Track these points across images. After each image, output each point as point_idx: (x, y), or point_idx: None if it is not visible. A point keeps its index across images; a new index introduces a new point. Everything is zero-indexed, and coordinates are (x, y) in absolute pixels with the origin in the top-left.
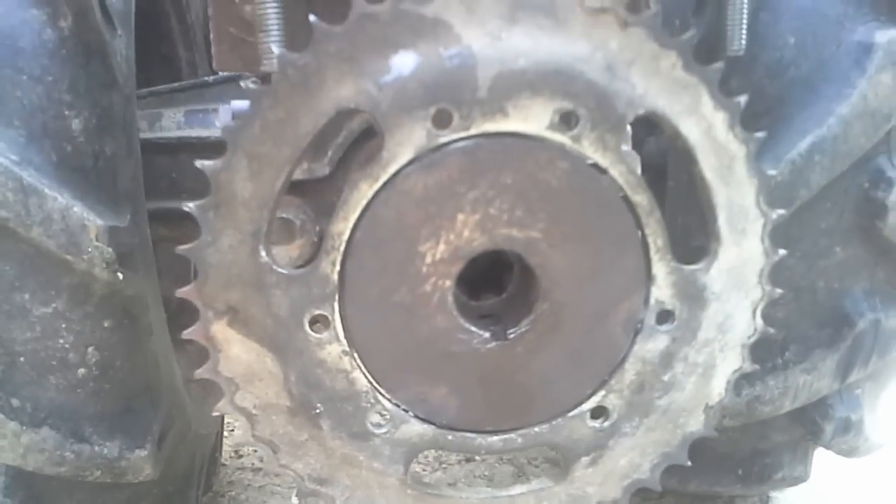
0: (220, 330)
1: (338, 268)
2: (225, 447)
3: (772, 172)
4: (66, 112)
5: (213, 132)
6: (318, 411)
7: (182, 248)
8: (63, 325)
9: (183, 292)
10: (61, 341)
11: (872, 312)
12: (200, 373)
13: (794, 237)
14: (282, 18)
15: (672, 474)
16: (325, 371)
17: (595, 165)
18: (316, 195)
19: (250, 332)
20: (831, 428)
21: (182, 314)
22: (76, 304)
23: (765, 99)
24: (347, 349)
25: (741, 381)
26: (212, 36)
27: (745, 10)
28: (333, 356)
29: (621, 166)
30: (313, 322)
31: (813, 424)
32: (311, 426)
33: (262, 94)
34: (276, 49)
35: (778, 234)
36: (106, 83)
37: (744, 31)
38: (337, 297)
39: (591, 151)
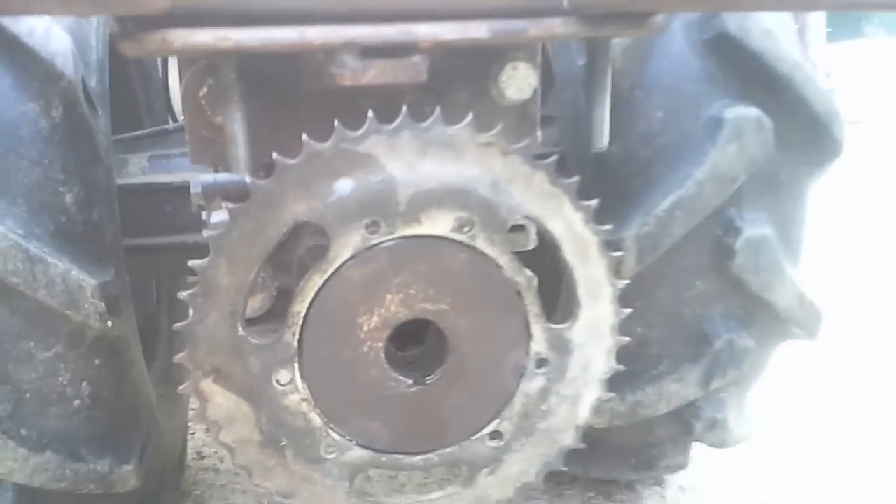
0: (207, 385)
1: (297, 337)
2: (188, 450)
3: (617, 253)
4: (61, 189)
5: (176, 178)
6: (283, 444)
7: (177, 326)
8: (62, 366)
9: (178, 358)
10: (60, 379)
11: (728, 333)
12: (193, 416)
13: (664, 274)
14: (247, 133)
15: (578, 464)
16: (288, 413)
17: (486, 256)
18: (274, 258)
19: (230, 386)
20: (700, 425)
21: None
22: (72, 348)
23: (638, 162)
24: (305, 397)
25: (626, 388)
26: (187, 135)
27: (608, 115)
28: (294, 402)
29: (506, 256)
30: (279, 378)
31: (686, 422)
32: (277, 455)
33: (238, 211)
34: (247, 178)
35: (648, 277)
36: (92, 159)
37: (607, 131)
38: (297, 359)
39: (483, 246)
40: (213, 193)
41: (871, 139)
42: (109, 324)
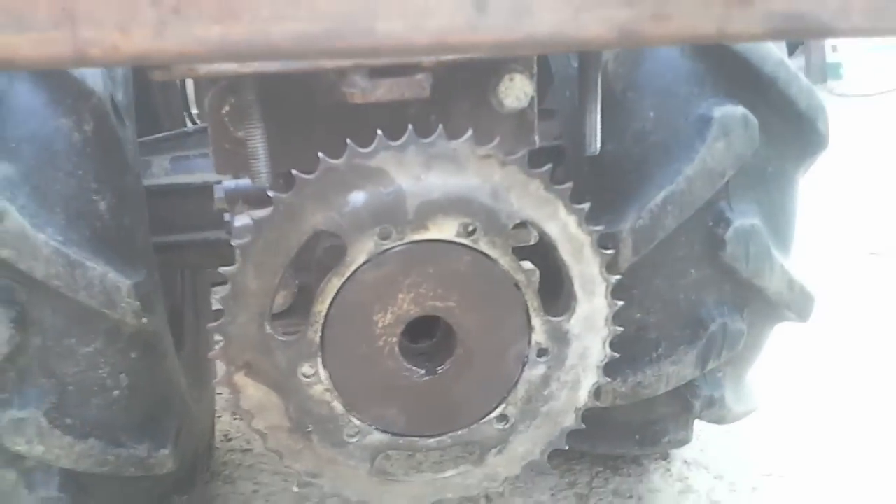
0: (240, 378)
1: (319, 334)
2: (216, 434)
3: (609, 251)
4: (94, 197)
5: (196, 178)
6: (309, 429)
7: (211, 325)
8: (101, 360)
9: (213, 354)
10: (100, 372)
11: (721, 318)
12: (226, 406)
13: (659, 263)
14: (266, 149)
15: (586, 441)
16: (313, 402)
17: (488, 257)
18: (294, 258)
19: (260, 378)
20: (699, 403)
21: None
22: (111, 343)
23: (632, 159)
24: (328, 387)
25: (627, 370)
26: (211, 148)
27: (599, 121)
28: (318, 392)
29: (507, 257)
30: (304, 370)
31: (686, 401)
32: (304, 440)
33: (262, 221)
34: (270, 192)
35: (644, 267)
36: (121, 168)
37: (598, 136)
38: (320, 353)
39: (486, 248)
40: (236, 198)
41: (878, 113)
42: (144, 320)
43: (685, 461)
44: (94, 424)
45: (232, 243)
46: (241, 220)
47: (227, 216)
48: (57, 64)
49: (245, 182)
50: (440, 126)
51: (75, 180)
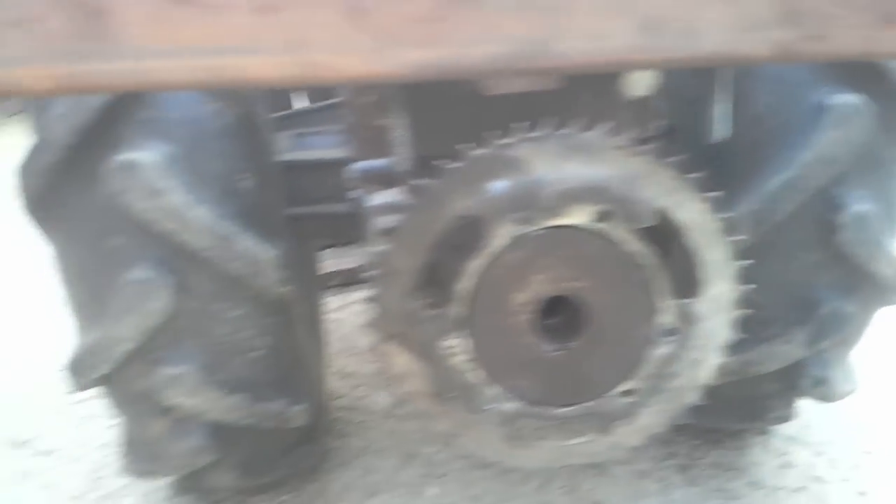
0: (389, 347)
1: (462, 309)
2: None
3: (736, 238)
4: (241, 175)
5: (316, 154)
6: (451, 395)
7: (366, 297)
8: (247, 323)
9: (367, 324)
10: (245, 334)
11: (833, 300)
12: (375, 372)
13: (773, 245)
14: (406, 136)
15: (690, 414)
16: (455, 371)
17: (621, 242)
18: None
19: (408, 348)
20: (806, 382)
21: None
22: (255, 308)
23: (750, 141)
24: (469, 357)
25: (738, 347)
26: (353, 135)
27: (730, 108)
28: (461, 361)
29: (637, 243)
30: (447, 342)
31: (792, 379)
32: (446, 404)
33: (411, 207)
34: (419, 181)
35: (759, 249)
36: (262, 149)
37: (729, 122)
38: (462, 327)
39: (618, 234)
40: (371, 178)
41: None
42: (285, 288)
43: (785, 437)
44: (239, 381)
45: (380, 225)
46: (379, 199)
47: (355, 193)
48: (281, 83)
49: (379, 163)
50: (576, 119)
51: (225, 160)
